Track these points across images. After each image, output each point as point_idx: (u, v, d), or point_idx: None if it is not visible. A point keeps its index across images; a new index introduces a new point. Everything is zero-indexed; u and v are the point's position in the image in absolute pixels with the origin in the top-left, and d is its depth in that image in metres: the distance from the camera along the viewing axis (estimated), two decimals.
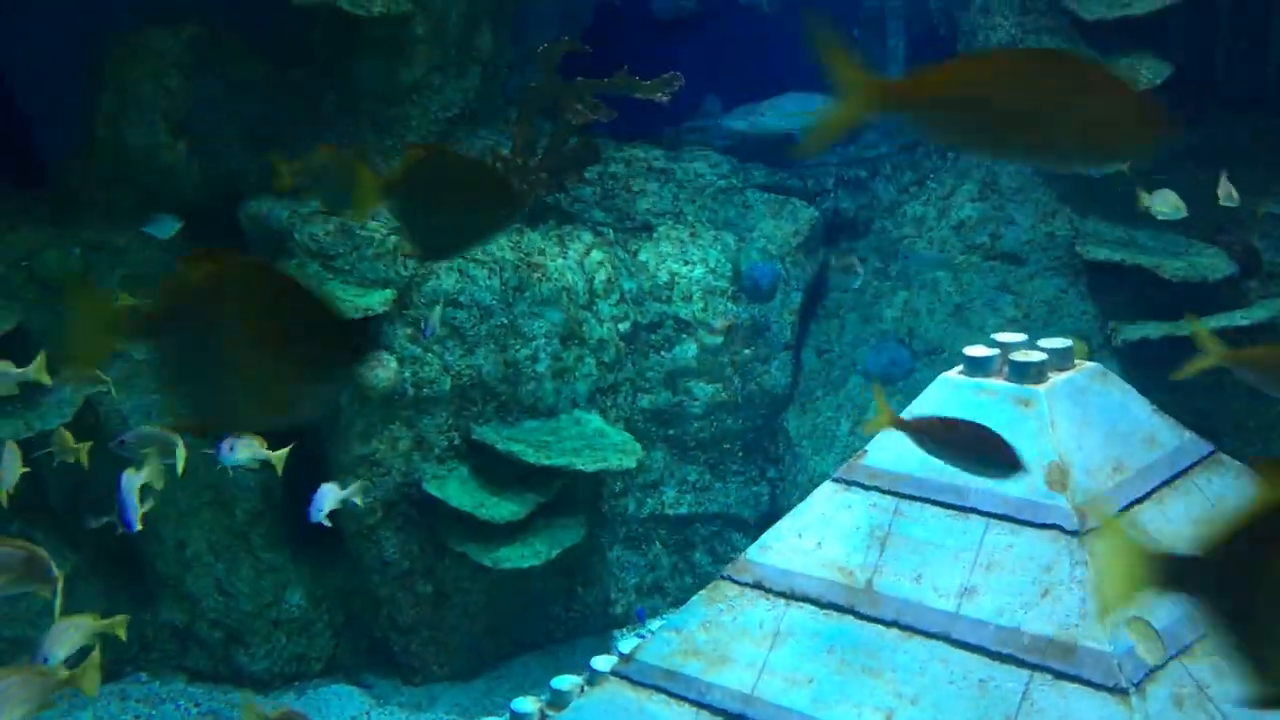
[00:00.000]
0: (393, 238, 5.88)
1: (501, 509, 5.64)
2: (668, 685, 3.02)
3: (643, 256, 6.65)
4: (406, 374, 5.74)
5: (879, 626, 2.83)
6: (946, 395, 3.05)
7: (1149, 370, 5.85)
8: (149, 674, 6.14)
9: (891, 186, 7.37)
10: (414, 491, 5.83)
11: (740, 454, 7.00)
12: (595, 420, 6.24)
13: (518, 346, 6.02)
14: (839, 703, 2.76)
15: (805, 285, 7.07)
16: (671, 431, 6.78)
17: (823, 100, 7.95)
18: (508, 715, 3.43)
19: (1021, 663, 2.64)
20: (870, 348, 6.98)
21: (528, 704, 3.28)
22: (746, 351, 6.85)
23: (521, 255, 6.14)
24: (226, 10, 6.59)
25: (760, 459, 7.06)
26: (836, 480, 3.12)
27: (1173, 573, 1.66)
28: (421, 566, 5.90)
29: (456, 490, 5.71)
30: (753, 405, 6.92)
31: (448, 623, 6.02)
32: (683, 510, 6.89)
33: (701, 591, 3.19)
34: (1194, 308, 6.16)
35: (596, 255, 6.46)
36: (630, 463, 5.88)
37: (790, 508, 6.97)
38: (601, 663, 3.37)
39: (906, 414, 3.01)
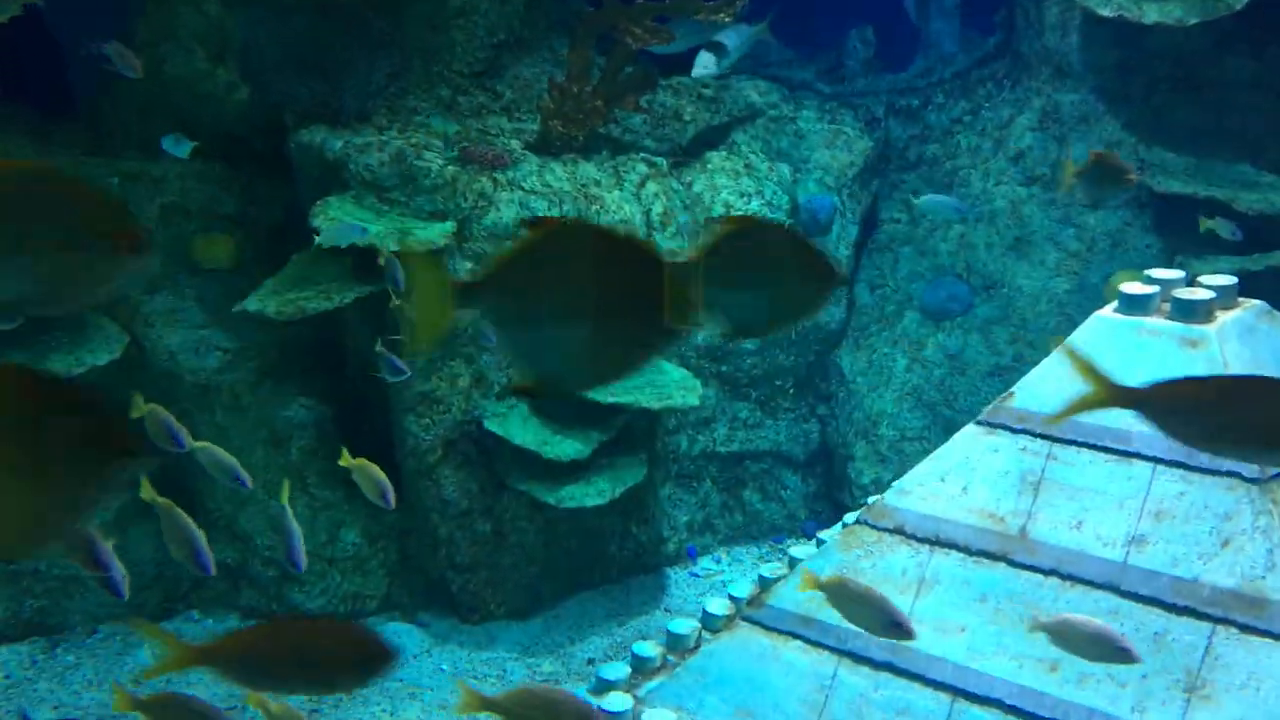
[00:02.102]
0: (450, 168, 5.70)
1: (566, 447, 5.52)
2: (804, 631, 2.91)
3: (697, 188, 6.48)
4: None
5: (1036, 575, 2.73)
6: (1104, 335, 2.91)
7: None
8: (201, 612, 6.06)
9: (944, 116, 7.17)
10: (473, 429, 5.70)
11: (791, 391, 6.89)
12: None
13: None
14: (996, 653, 2.66)
15: (860, 218, 6.92)
16: (724, 368, 6.66)
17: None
18: (627, 657, 3.31)
19: (1202, 616, 2.54)
20: (926, 283, 6.85)
21: (648, 648, 3.19)
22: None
23: (578, 186, 5.96)
24: None
25: (811, 396, 6.96)
26: (980, 423, 2.99)
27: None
28: (480, 505, 5.80)
29: (519, 428, 5.59)
30: (806, 341, 6.80)
31: (506, 562, 5.93)
32: (734, 448, 6.79)
33: (835, 536, 3.08)
34: (1267, 242, 6.08)
35: (652, 187, 6.28)
36: (693, 400, 5.76)
37: (843, 445, 6.92)
38: (716, 605, 3.27)
39: (1060, 355, 2.89)
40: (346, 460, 4.05)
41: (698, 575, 6.53)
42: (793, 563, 3.45)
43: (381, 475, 4.06)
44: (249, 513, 5.88)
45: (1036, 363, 6.56)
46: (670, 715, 2.93)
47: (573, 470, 5.60)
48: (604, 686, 3.12)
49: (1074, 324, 6.56)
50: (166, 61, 6.16)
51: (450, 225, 5.56)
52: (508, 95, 6.52)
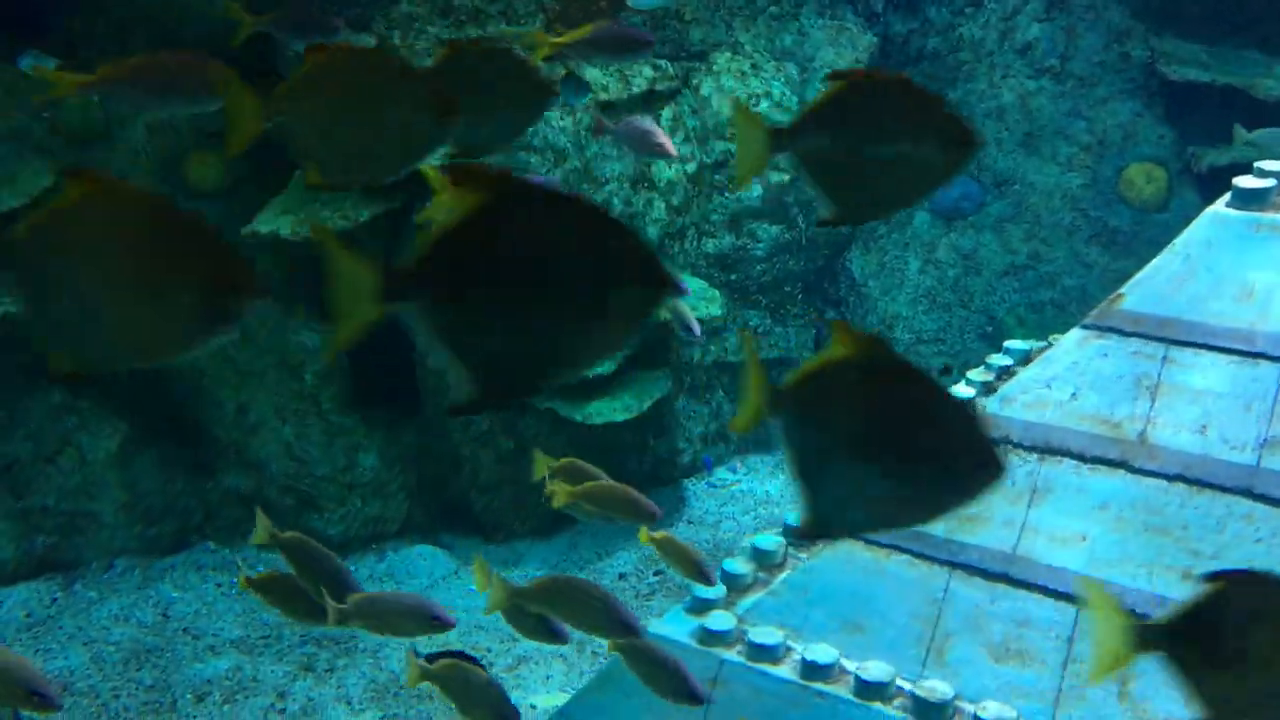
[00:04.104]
0: None
1: None
2: (910, 545, 2.86)
3: (704, 91, 6.30)
4: None
5: (1160, 481, 2.68)
6: (1217, 231, 2.84)
7: None
8: (217, 542, 5.92)
9: (945, 8, 7.01)
10: None
11: (800, 296, 6.81)
12: None
13: (591, 191, 5.71)
14: (1121, 561, 2.63)
15: None
16: (734, 276, 6.55)
17: None
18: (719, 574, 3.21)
19: None
20: None
21: (739, 565, 3.13)
22: (811, 190, 6.58)
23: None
24: None
25: (819, 301, 6.89)
26: (1087, 327, 2.92)
27: None
28: (502, 424, 5.69)
29: None
30: (815, 246, 6.70)
31: (529, 479, 5.83)
32: (745, 356, 6.71)
33: None
34: None
35: (660, 90, 6.10)
36: (716, 310, 5.67)
37: None
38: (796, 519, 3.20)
39: (1171, 254, 2.82)
40: (645, 537, 3.47)
41: (715, 486, 6.49)
42: None
43: (694, 551, 3.31)
44: (261, 439, 5.73)
45: (1053, 260, 6.56)
46: (777, 633, 2.88)
47: (596, 386, 5.50)
48: (702, 605, 3.07)
49: (1089, 219, 6.54)
50: None
51: None
52: None
